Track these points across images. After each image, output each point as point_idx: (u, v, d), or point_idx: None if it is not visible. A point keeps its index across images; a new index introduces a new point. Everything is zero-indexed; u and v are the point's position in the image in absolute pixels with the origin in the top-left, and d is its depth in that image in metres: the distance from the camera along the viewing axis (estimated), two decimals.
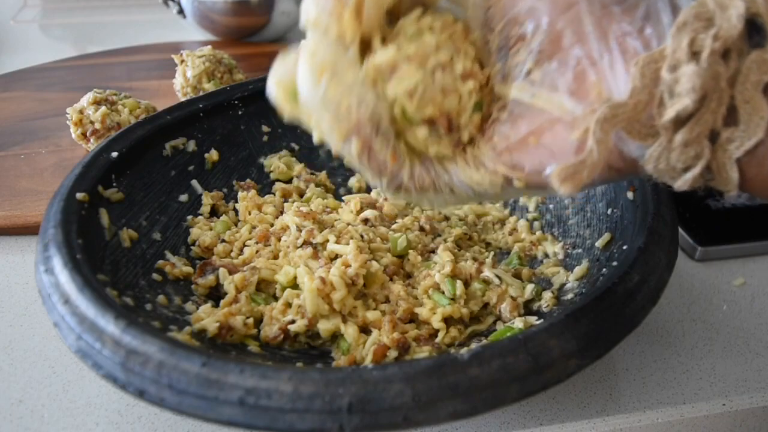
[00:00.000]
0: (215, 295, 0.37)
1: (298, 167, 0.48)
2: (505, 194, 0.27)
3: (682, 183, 0.22)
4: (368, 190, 0.47)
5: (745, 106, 0.20)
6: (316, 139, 0.27)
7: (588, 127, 0.22)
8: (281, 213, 0.43)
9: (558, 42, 0.23)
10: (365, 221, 0.41)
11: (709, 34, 0.20)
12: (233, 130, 0.47)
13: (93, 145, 0.54)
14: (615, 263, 0.33)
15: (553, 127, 0.24)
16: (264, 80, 0.50)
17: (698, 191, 0.22)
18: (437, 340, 0.34)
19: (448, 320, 0.35)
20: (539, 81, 0.24)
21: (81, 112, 0.54)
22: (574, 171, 0.23)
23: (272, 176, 0.47)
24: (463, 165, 0.26)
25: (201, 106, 0.46)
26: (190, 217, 0.42)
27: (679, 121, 0.21)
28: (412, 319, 0.35)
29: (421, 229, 0.42)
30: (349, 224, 0.41)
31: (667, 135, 0.21)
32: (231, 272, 0.37)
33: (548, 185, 0.24)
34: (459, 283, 0.36)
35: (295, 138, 0.49)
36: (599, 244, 0.37)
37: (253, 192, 0.44)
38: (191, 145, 0.44)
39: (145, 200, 0.40)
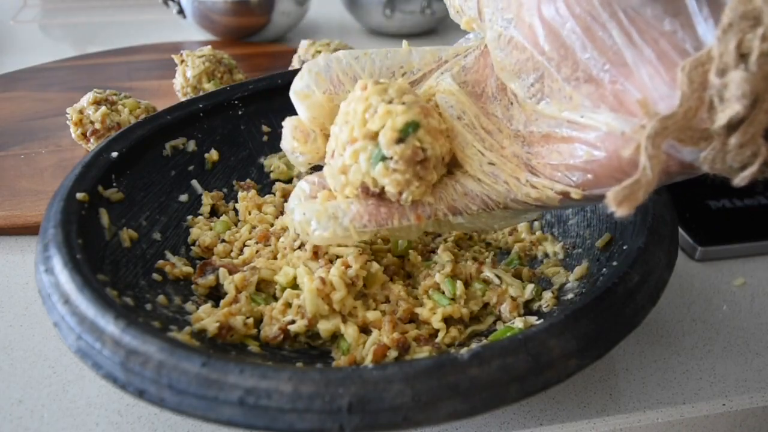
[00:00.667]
0: (215, 295, 0.37)
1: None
2: (565, 206, 0.27)
3: (740, 180, 0.21)
4: None
5: None
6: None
7: (639, 144, 0.22)
8: (281, 213, 0.43)
9: (587, 61, 0.23)
10: None
11: (757, 35, 0.19)
12: (233, 130, 0.47)
13: (93, 145, 0.54)
14: (615, 263, 0.33)
15: (609, 143, 0.24)
16: (264, 80, 0.50)
17: (757, 186, 0.22)
18: (437, 340, 0.34)
19: (448, 320, 0.35)
20: (582, 104, 0.24)
21: (81, 112, 0.54)
22: (629, 192, 0.22)
23: (272, 176, 0.47)
24: (517, 185, 0.27)
25: (201, 106, 0.46)
26: (190, 217, 0.42)
27: (732, 126, 0.20)
28: (412, 319, 0.35)
29: None
30: None
31: (721, 139, 0.21)
32: (231, 272, 0.37)
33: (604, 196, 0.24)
34: (459, 283, 0.36)
35: None
36: (599, 244, 0.37)
37: (253, 192, 0.44)
38: (191, 145, 0.44)
39: (145, 200, 0.40)
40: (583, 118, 0.24)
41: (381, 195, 0.29)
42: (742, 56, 0.20)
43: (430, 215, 0.29)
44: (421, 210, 0.29)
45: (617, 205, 0.22)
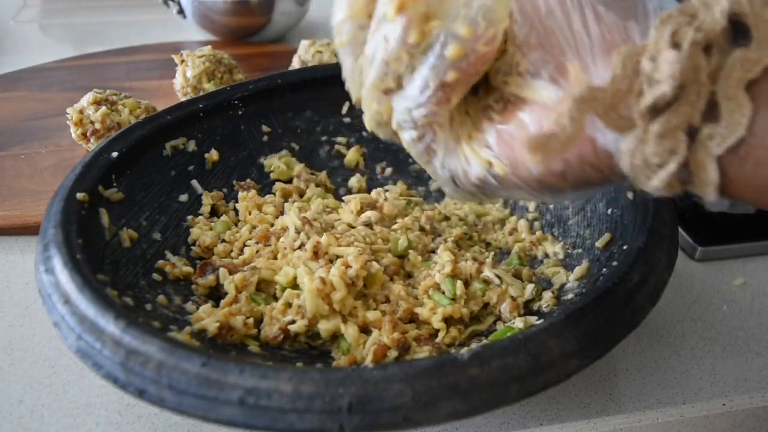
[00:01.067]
0: (215, 295, 0.37)
1: (298, 167, 0.48)
2: (488, 187, 0.26)
3: (657, 181, 0.21)
4: (368, 190, 0.47)
5: (727, 102, 0.20)
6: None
7: (564, 110, 0.22)
8: (281, 213, 0.43)
9: (545, 36, 0.24)
10: (366, 224, 0.41)
11: (692, 27, 0.20)
12: (233, 130, 0.47)
13: (93, 145, 0.54)
14: (615, 263, 0.33)
15: (538, 114, 0.24)
16: (264, 80, 0.50)
17: (676, 199, 0.22)
18: (437, 340, 0.34)
19: (448, 320, 0.35)
20: (526, 71, 0.24)
21: (81, 112, 0.54)
22: (545, 141, 0.23)
23: (272, 176, 0.47)
24: (452, 153, 0.26)
25: (201, 106, 0.46)
26: (190, 217, 0.42)
27: (656, 110, 0.21)
28: (413, 319, 0.35)
29: (422, 229, 0.42)
30: (349, 225, 0.41)
31: (643, 124, 0.21)
32: (231, 272, 0.37)
33: (526, 178, 0.24)
34: (459, 283, 0.36)
35: (295, 138, 0.49)
36: (599, 244, 0.37)
37: (253, 192, 0.44)
38: (191, 145, 0.44)
39: (145, 200, 0.40)
40: (521, 89, 0.24)
41: None
42: (675, 44, 0.20)
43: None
44: None
45: (531, 150, 0.23)
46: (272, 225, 0.42)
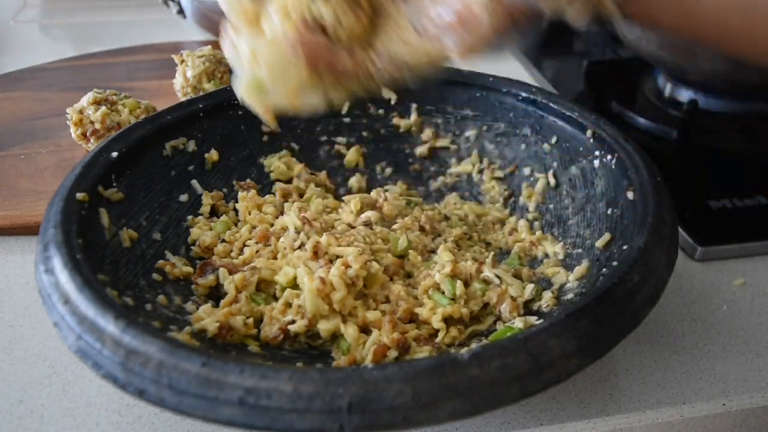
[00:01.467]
0: (215, 295, 0.37)
1: (298, 167, 0.48)
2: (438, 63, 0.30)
3: (574, 14, 0.26)
4: (368, 190, 0.47)
5: None
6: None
7: (478, 11, 0.26)
8: (281, 213, 0.43)
9: None
10: (366, 224, 0.41)
11: None
12: (233, 130, 0.47)
13: (93, 145, 0.54)
14: (615, 263, 0.33)
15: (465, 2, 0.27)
16: None
17: (603, 25, 0.26)
18: (437, 340, 0.34)
19: (448, 320, 0.35)
20: None
21: (81, 112, 0.54)
22: (471, 45, 0.27)
23: (272, 176, 0.47)
24: (412, 48, 0.30)
25: (201, 106, 0.46)
26: (190, 217, 0.42)
27: None
28: (412, 319, 0.35)
29: (422, 229, 0.42)
30: (349, 225, 0.41)
31: None
32: (231, 272, 0.37)
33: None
34: (459, 283, 0.36)
35: (295, 138, 0.49)
36: (599, 244, 0.37)
37: (253, 192, 0.44)
38: (191, 145, 0.44)
39: (145, 200, 0.40)
40: None
41: (321, 31, 0.31)
42: None
43: (363, 61, 0.31)
44: (356, 55, 0.31)
45: (460, 55, 0.27)
46: (272, 225, 0.42)
